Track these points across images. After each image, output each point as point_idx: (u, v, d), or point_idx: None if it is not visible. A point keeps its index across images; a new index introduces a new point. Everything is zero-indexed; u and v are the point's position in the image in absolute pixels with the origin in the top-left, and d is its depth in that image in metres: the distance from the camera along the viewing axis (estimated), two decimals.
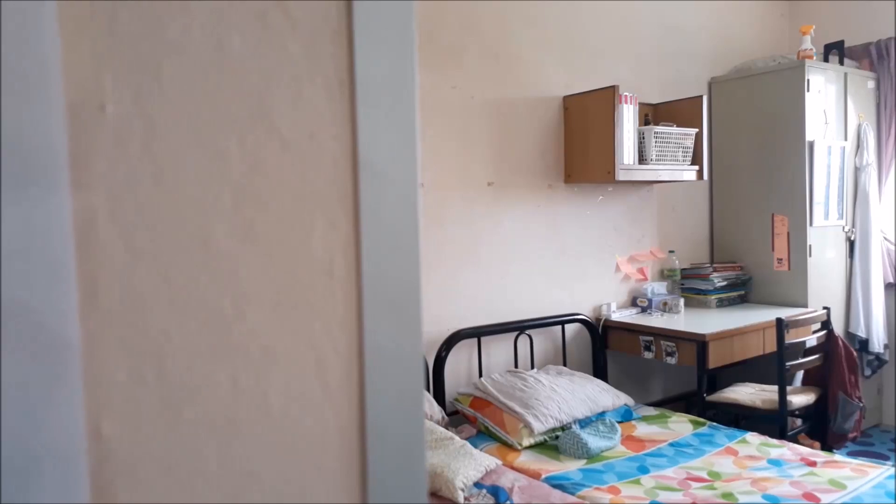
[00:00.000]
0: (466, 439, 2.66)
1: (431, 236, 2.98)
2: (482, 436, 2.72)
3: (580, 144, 3.36)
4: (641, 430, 2.83)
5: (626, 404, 3.00)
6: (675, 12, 3.95)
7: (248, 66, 0.44)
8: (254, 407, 0.45)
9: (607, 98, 3.20)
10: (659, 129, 3.36)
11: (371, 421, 0.49)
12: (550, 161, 3.41)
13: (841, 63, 3.98)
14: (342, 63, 0.47)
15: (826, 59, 3.99)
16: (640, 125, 3.37)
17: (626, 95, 3.24)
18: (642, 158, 3.34)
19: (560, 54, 3.43)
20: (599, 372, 3.44)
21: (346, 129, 0.48)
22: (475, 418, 2.77)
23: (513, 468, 2.42)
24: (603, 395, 2.95)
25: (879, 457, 3.69)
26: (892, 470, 2.33)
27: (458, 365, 3.08)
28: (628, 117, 3.26)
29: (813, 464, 2.42)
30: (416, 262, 0.51)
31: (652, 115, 3.66)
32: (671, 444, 2.65)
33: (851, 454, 3.68)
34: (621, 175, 3.21)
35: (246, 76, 0.44)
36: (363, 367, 0.49)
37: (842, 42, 4.02)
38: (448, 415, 2.87)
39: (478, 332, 3.04)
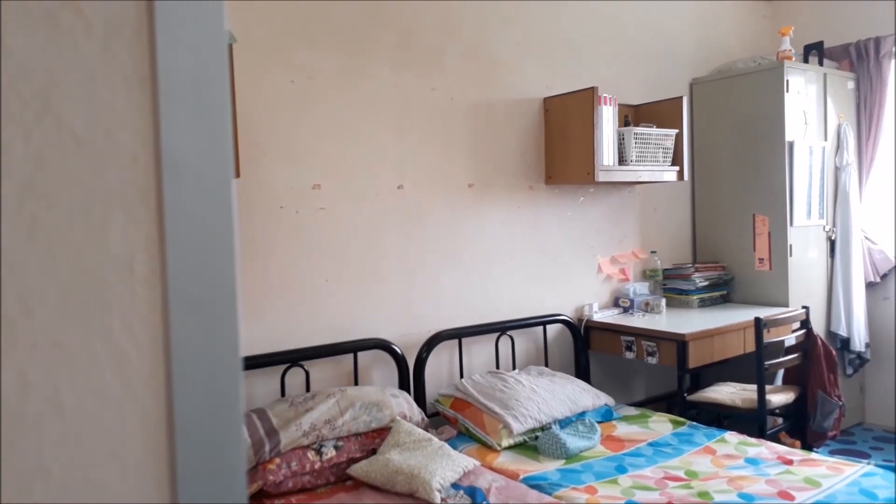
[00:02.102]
0: (447, 440, 2.66)
1: (413, 238, 2.98)
2: (462, 437, 2.72)
3: (560, 145, 3.37)
4: (621, 429, 2.83)
5: (606, 404, 3.01)
6: (657, 14, 3.97)
7: (34, 66, 0.45)
8: (43, 400, 0.45)
9: (587, 99, 3.21)
10: (639, 129, 3.37)
11: (180, 418, 0.49)
12: (531, 162, 3.42)
13: (821, 64, 4.01)
14: (143, 61, 0.48)
15: (806, 60, 4.01)
16: (620, 126, 3.39)
17: (605, 97, 3.25)
18: (622, 159, 3.36)
19: (540, 56, 3.44)
20: (581, 372, 3.44)
21: (147, 126, 0.48)
22: (455, 419, 2.77)
23: (491, 469, 2.42)
24: (583, 396, 2.95)
25: (860, 455, 3.72)
26: (868, 468, 2.35)
27: (440, 366, 3.08)
28: (608, 118, 3.27)
29: (789, 462, 2.43)
30: (230, 257, 0.50)
31: (633, 116, 3.68)
32: (650, 444, 2.66)
33: (833, 452, 3.71)
34: (601, 176, 3.22)
35: (31, 76, 0.45)
36: (170, 365, 0.48)
37: (821, 43, 4.04)
38: (429, 416, 2.87)
39: (459, 333, 3.04)
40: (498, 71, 3.27)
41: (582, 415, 2.89)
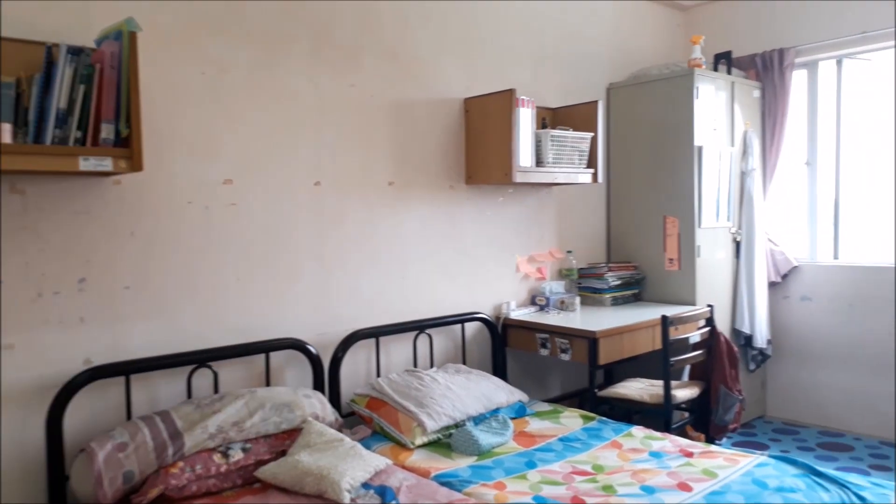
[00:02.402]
0: (361, 440, 2.65)
1: (330, 235, 2.95)
2: (377, 436, 2.71)
3: (480, 146, 3.40)
4: (534, 425, 2.89)
5: (520, 401, 3.06)
6: (576, 20, 4.06)
7: None
8: None
9: (506, 101, 3.26)
10: (555, 132, 3.44)
11: None
12: (452, 162, 3.44)
13: (729, 72, 4.19)
14: None
15: (716, 69, 4.19)
16: (538, 128, 3.45)
17: (523, 99, 3.30)
18: (540, 161, 3.42)
19: (461, 56, 3.46)
20: (498, 370, 3.49)
21: None
22: (371, 419, 2.76)
23: (404, 468, 2.42)
24: (498, 393, 2.99)
25: (760, 446, 3.92)
26: (761, 458, 2.47)
27: (357, 366, 3.06)
28: (526, 121, 3.32)
29: (690, 454, 2.53)
30: None
31: (551, 119, 3.75)
32: (560, 439, 2.72)
33: (736, 444, 3.90)
34: (518, 177, 3.27)
35: None
36: None
37: (730, 52, 4.24)
38: (344, 416, 2.84)
39: (377, 332, 3.03)
40: (418, 70, 3.28)
41: (496, 411, 2.93)
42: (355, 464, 2.22)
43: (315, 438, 2.34)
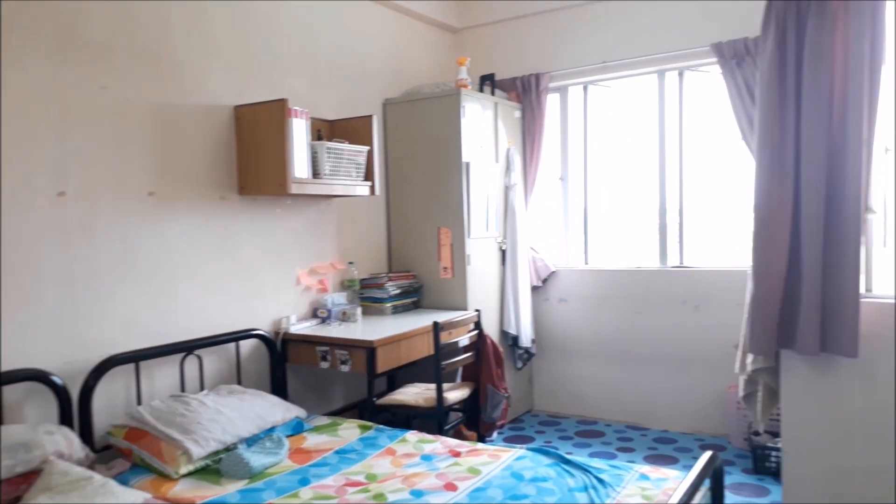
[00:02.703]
0: (117, 475, 2.42)
1: (77, 252, 2.66)
2: (137, 469, 2.50)
3: (254, 156, 3.30)
4: (311, 441, 2.85)
5: (297, 417, 3.01)
6: (352, 34, 4.11)
7: None
8: None
9: (279, 111, 3.20)
10: (331, 144, 3.45)
11: None
12: (223, 172, 3.29)
13: (493, 93, 4.52)
14: None
15: (481, 89, 4.49)
16: (313, 140, 3.43)
17: (297, 110, 3.27)
18: (316, 173, 3.40)
19: (230, 62, 3.33)
20: (278, 387, 3.41)
21: None
22: (130, 451, 2.54)
23: (166, 499, 2.26)
24: (273, 411, 2.92)
25: (528, 440, 4.26)
26: (520, 451, 2.68)
27: (115, 395, 2.79)
28: (300, 131, 3.29)
29: (458, 454, 2.67)
30: None
31: (328, 130, 3.75)
32: (336, 452, 2.72)
33: (507, 440, 4.19)
34: (294, 188, 3.22)
35: None
36: None
37: (493, 75, 4.57)
38: (99, 451, 2.59)
39: (136, 357, 2.80)
40: (182, 73, 3.09)
41: (272, 430, 2.85)
42: (106, 502, 2.03)
43: (58, 479, 2.10)
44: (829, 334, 2.64)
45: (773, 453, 3.51)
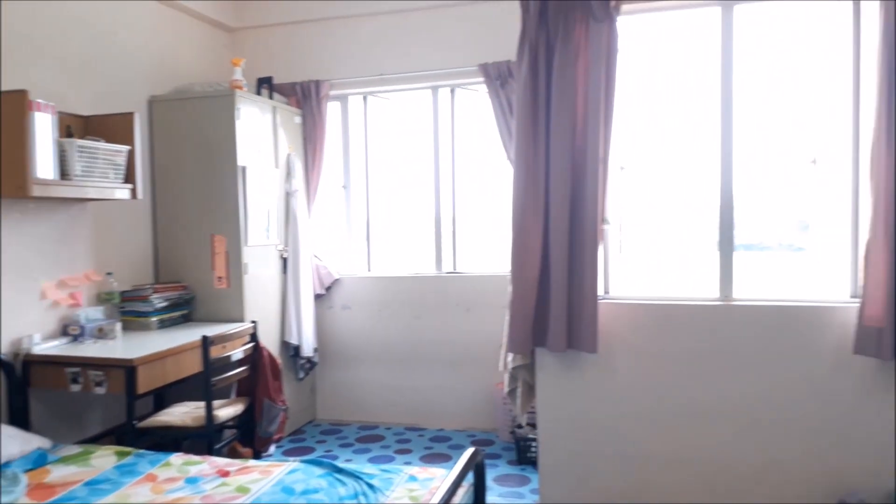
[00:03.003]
0: None
1: None
2: None
3: None
4: (56, 473, 2.55)
5: (40, 448, 2.68)
6: (110, 22, 3.76)
7: None
8: None
9: (17, 103, 2.83)
10: (83, 143, 3.12)
11: None
12: None
13: (271, 97, 4.41)
14: None
15: (258, 92, 4.36)
16: (62, 137, 3.09)
17: (39, 103, 2.92)
18: (65, 174, 3.06)
19: None
20: (17, 416, 3.00)
21: None
22: None
23: None
24: (9, 444, 2.57)
25: (308, 451, 4.20)
26: (292, 465, 2.63)
27: None
28: (44, 127, 2.95)
29: (226, 474, 2.55)
30: None
31: (81, 127, 3.40)
32: (86, 484, 2.46)
33: (286, 452, 4.10)
34: (37, 191, 2.88)
35: None
36: None
37: (271, 78, 4.46)
38: None
39: None
40: None
41: (7, 466, 2.50)
42: None
43: None
44: (574, 332, 2.95)
45: (534, 444, 3.84)
